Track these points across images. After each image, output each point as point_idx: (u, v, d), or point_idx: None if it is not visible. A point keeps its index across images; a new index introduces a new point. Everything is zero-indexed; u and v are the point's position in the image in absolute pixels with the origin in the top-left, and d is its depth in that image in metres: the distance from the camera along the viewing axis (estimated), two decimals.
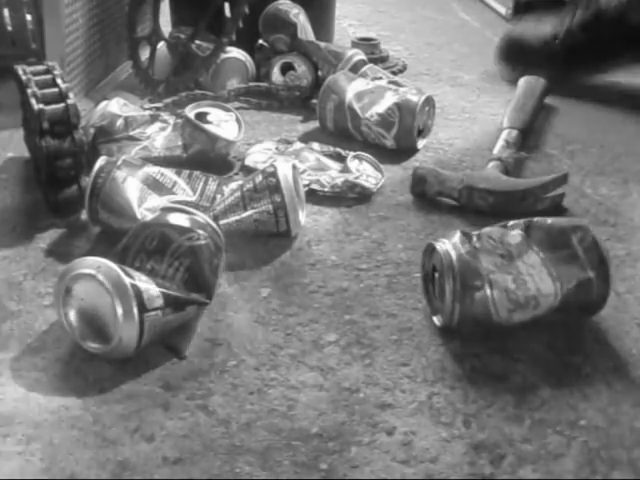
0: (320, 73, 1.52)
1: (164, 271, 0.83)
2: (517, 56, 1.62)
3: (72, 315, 0.79)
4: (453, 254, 0.82)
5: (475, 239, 0.84)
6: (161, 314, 0.79)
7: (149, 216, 0.90)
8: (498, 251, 0.83)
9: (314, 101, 1.41)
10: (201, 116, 1.22)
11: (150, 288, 0.78)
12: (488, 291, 0.80)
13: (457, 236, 0.84)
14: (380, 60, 1.71)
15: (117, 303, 0.75)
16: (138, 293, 0.77)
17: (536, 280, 0.81)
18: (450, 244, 0.83)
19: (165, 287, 0.80)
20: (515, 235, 0.85)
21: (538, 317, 0.81)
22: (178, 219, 0.87)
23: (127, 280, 0.76)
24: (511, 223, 0.87)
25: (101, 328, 0.78)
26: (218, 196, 1.06)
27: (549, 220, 0.86)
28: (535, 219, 0.86)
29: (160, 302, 0.79)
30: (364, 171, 1.19)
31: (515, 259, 0.82)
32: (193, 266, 0.84)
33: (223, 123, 1.23)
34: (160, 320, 0.79)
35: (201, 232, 0.86)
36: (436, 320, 0.86)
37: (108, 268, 0.77)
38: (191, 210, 0.89)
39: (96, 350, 0.79)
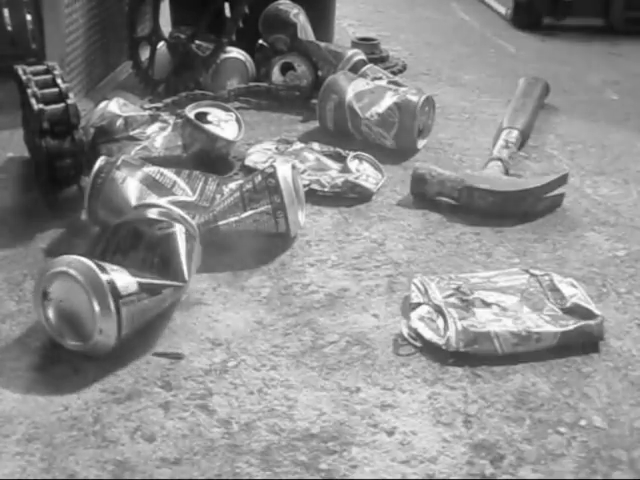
0: (320, 73, 1.52)
1: (140, 265, 0.83)
2: None
3: (52, 316, 0.80)
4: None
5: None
6: (136, 299, 0.79)
7: (121, 217, 0.90)
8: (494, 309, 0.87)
9: (314, 101, 1.41)
10: (201, 116, 1.22)
11: (123, 275, 0.79)
12: (492, 331, 0.83)
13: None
14: (380, 60, 1.71)
15: (90, 293, 0.76)
16: (110, 281, 0.77)
17: (535, 322, 0.84)
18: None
19: (139, 275, 0.81)
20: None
21: (540, 349, 0.82)
22: (148, 213, 0.87)
23: (97, 270, 0.77)
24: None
25: (81, 325, 0.78)
26: (218, 196, 1.06)
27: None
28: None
29: (134, 288, 0.79)
30: (364, 171, 1.19)
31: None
32: (165, 253, 0.84)
33: (223, 123, 1.23)
34: (136, 306, 0.79)
35: (169, 221, 0.86)
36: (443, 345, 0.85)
37: (79, 262, 0.77)
38: (161, 204, 0.90)
39: (79, 348, 0.79)
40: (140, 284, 0.79)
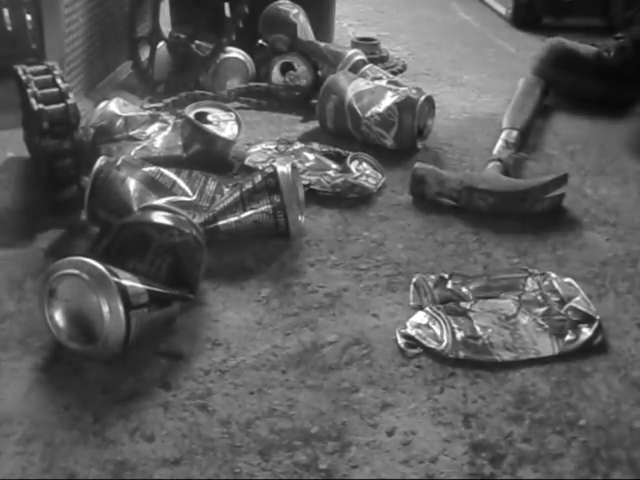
0: (320, 73, 1.52)
1: (146, 269, 0.83)
2: (566, 65, 1.57)
3: (58, 316, 0.79)
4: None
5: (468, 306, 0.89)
6: (147, 310, 0.79)
7: (128, 217, 0.90)
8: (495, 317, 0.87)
9: (314, 101, 1.41)
10: (201, 116, 1.22)
11: (135, 285, 0.78)
12: (490, 342, 0.83)
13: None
14: (380, 60, 1.71)
15: (103, 301, 0.75)
16: (123, 290, 0.76)
17: (533, 337, 0.84)
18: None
19: (149, 284, 0.80)
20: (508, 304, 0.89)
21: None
22: (157, 217, 0.87)
23: (112, 278, 0.76)
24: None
25: (87, 328, 0.78)
26: (217, 196, 1.06)
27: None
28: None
29: (145, 298, 0.79)
30: (364, 171, 1.19)
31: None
32: (175, 262, 0.84)
33: (223, 123, 1.23)
34: (146, 316, 0.79)
35: (182, 229, 0.86)
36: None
37: (92, 267, 0.77)
38: (171, 208, 0.89)
39: (83, 351, 0.79)
40: (150, 295, 0.79)
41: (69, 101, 1.02)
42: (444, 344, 0.83)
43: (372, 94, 1.33)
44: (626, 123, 1.48)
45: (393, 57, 1.78)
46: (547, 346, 0.83)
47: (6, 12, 1.46)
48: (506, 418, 0.74)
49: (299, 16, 1.57)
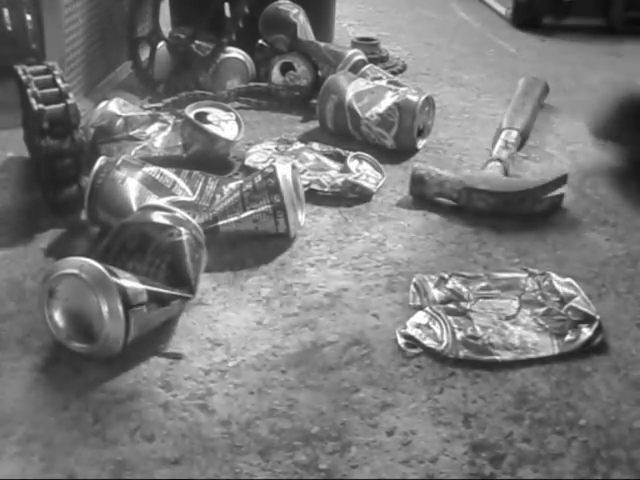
0: (320, 73, 1.52)
1: (146, 269, 0.83)
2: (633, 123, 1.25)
3: (57, 316, 0.79)
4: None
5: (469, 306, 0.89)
6: (146, 309, 0.79)
7: (128, 216, 0.90)
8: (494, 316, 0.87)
9: (314, 101, 1.41)
10: (201, 116, 1.22)
11: (134, 284, 0.79)
12: (490, 342, 0.83)
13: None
14: (380, 60, 1.71)
15: (102, 301, 0.75)
16: (122, 290, 0.77)
17: (533, 337, 0.84)
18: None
19: (148, 283, 0.80)
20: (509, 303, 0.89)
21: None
22: (157, 217, 0.87)
23: (111, 277, 0.76)
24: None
25: (87, 328, 0.78)
26: (217, 196, 1.06)
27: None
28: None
29: (144, 297, 0.79)
30: (364, 171, 1.19)
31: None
32: (174, 262, 0.84)
33: (223, 123, 1.23)
34: (145, 315, 0.79)
35: (181, 228, 0.86)
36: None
37: (91, 266, 0.77)
38: (170, 207, 0.89)
39: (83, 350, 0.79)
40: (149, 294, 0.79)
41: (69, 101, 1.02)
42: (444, 344, 0.83)
43: (372, 94, 1.33)
44: None
45: (393, 57, 1.78)
46: (547, 346, 0.83)
47: (6, 12, 1.47)
48: (506, 418, 0.74)
49: (299, 16, 1.57)
